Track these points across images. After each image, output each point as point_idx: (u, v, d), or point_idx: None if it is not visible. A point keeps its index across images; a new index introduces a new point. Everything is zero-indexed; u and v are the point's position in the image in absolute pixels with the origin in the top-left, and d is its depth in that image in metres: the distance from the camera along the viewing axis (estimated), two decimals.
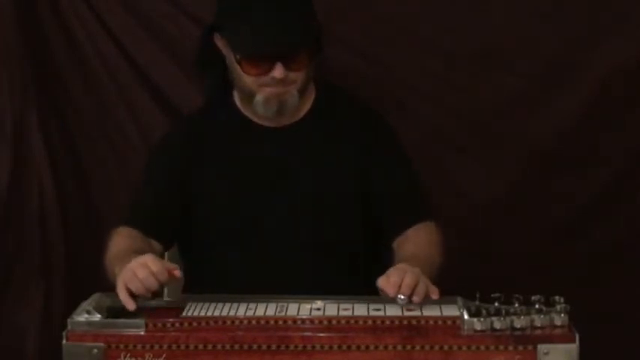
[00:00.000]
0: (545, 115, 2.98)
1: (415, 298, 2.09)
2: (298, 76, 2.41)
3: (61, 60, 3.04)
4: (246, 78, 2.42)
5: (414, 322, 2.02)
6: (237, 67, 2.42)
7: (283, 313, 2.06)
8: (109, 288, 2.26)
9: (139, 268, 2.12)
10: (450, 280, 2.96)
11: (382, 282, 2.12)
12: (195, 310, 2.09)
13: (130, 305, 2.09)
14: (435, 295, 2.12)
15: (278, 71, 2.37)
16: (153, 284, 2.11)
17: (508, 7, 2.94)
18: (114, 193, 3.04)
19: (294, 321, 2.04)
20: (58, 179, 3.05)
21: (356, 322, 2.02)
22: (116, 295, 2.15)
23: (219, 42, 2.47)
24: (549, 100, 2.96)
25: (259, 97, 2.42)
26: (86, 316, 2.06)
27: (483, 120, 2.99)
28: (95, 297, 2.18)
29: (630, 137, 2.96)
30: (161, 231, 2.45)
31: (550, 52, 2.95)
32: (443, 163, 3.03)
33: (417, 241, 2.41)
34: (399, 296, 2.09)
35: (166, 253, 2.53)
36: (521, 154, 3.00)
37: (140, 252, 2.30)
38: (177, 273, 2.15)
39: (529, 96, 2.97)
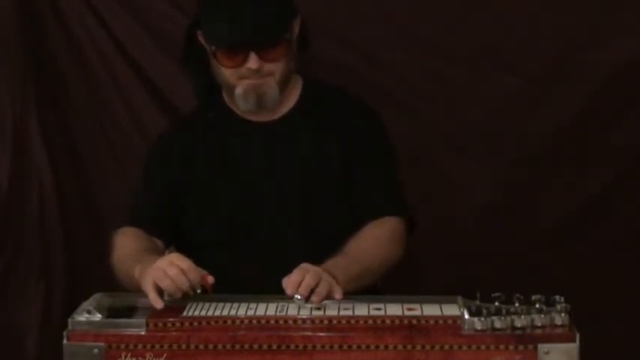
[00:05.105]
0: (545, 115, 2.98)
1: (314, 298, 2.10)
2: (276, 68, 2.43)
3: (61, 60, 3.04)
4: (224, 71, 2.44)
5: (414, 321, 2.01)
6: (215, 60, 2.44)
7: (284, 313, 2.06)
8: (109, 288, 2.26)
9: (168, 266, 2.12)
10: (450, 280, 2.99)
11: (284, 281, 2.13)
12: (196, 309, 2.09)
13: (159, 304, 2.09)
14: (338, 296, 2.13)
15: (252, 62, 2.39)
16: (184, 283, 2.11)
17: (508, 7, 2.94)
18: (114, 193, 3.05)
19: (295, 321, 2.04)
20: (58, 179, 3.05)
21: (356, 321, 2.02)
22: (119, 295, 2.16)
23: (201, 39, 2.49)
24: (549, 100, 2.96)
25: (238, 90, 2.44)
26: (87, 315, 2.06)
27: (483, 120, 2.99)
28: (96, 297, 2.18)
29: (630, 137, 2.96)
30: (162, 229, 2.48)
31: (550, 52, 2.95)
32: (443, 163, 3.03)
33: (362, 235, 2.40)
34: (295, 296, 2.09)
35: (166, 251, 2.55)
36: (521, 153, 3.00)
37: (151, 251, 2.32)
38: (210, 279, 2.16)
39: (529, 96, 2.97)
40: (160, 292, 2.12)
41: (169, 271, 2.12)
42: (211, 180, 2.51)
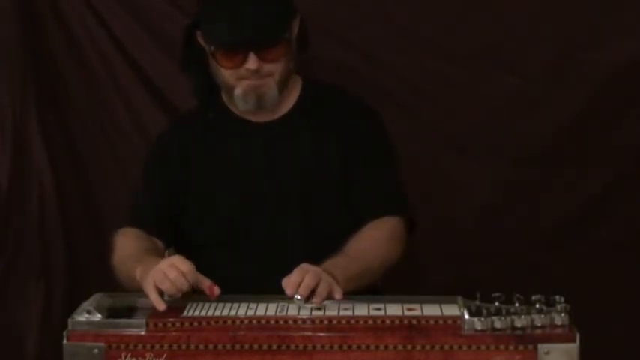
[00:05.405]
0: (544, 115, 2.98)
1: (315, 299, 2.10)
2: (275, 68, 2.43)
3: (61, 60, 3.04)
4: (224, 71, 2.44)
5: (414, 321, 2.01)
6: (214, 61, 2.44)
7: (284, 313, 2.06)
8: (109, 288, 2.26)
9: (168, 268, 2.13)
10: (450, 280, 2.99)
11: (284, 281, 2.13)
12: (196, 309, 2.09)
13: (161, 306, 2.09)
14: (338, 296, 2.13)
15: (251, 62, 2.39)
16: (184, 284, 2.12)
17: (508, 7, 2.94)
18: (114, 193, 3.05)
19: (295, 321, 2.04)
20: (58, 179, 3.05)
21: (356, 321, 2.02)
22: (119, 295, 2.16)
23: (201, 40, 2.49)
24: (549, 100, 2.96)
25: (238, 91, 2.44)
26: (87, 315, 2.06)
27: (483, 120, 2.99)
28: (96, 297, 2.18)
29: (630, 137, 2.96)
30: (162, 230, 2.48)
31: (550, 52, 2.95)
32: (443, 163, 3.03)
33: (361, 235, 2.40)
34: (295, 296, 2.09)
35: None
36: (521, 153, 3.00)
37: (151, 251, 2.33)
38: (217, 290, 2.16)
39: (529, 96, 2.97)
40: (161, 293, 2.12)
41: (169, 273, 2.12)
42: (211, 180, 2.51)
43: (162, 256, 2.40)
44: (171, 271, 2.12)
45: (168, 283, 2.11)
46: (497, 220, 3.02)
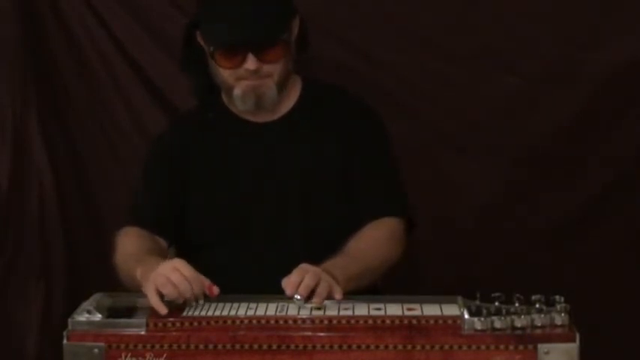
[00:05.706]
0: (544, 115, 2.98)
1: (315, 300, 2.10)
2: (274, 69, 2.43)
3: (61, 60, 3.04)
4: (223, 72, 2.44)
5: (414, 321, 2.01)
6: (213, 61, 2.44)
7: (284, 313, 2.06)
8: (109, 288, 2.26)
9: (171, 272, 2.12)
10: (450, 280, 2.99)
11: (283, 281, 2.13)
12: (196, 309, 2.10)
13: (162, 309, 2.08)
14: (337, 296, 2.13)
15: (250, 63, 2.39)
16: (187, 290, 2.11)
17: (508, 7, 2.94)
18: (114, 193, 3.05)
19: (295, 321, 2.04)
20: (58, 179, 3.05)
21: (356, 321, 2.02)
22: (119, 295, 2.16)
23: (200, 40, 2.50)
24: (549, 100, 2.96)
25: (237, 91, 2.45)
26: (87, 315, 2.06)
27: (483, 120, 2.99)
28: (96, 297, 2.18)
29: (630, 137, 2.96)
30: (164, 229, 2.48)
31: (550, 52, 2.95)
32: (443, 163, 3.03)
33: (361, 235, 2.40)
34: (295, 296, 2.09)
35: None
36: (521, 153, 3.00)
37: (152, 251, 2.33)
38: (216, 290, 2.15)
39: (529, 96, 2.97)
40: (162, 296, 2.12)
41: (172, 277, 2.12)
42: (211, 180, 2.51)
43: (165, 255, 2.41)
44: (175, 275, 2.12)
45: (171, 288, 2.11)
46: (497, 220, 3.02)
